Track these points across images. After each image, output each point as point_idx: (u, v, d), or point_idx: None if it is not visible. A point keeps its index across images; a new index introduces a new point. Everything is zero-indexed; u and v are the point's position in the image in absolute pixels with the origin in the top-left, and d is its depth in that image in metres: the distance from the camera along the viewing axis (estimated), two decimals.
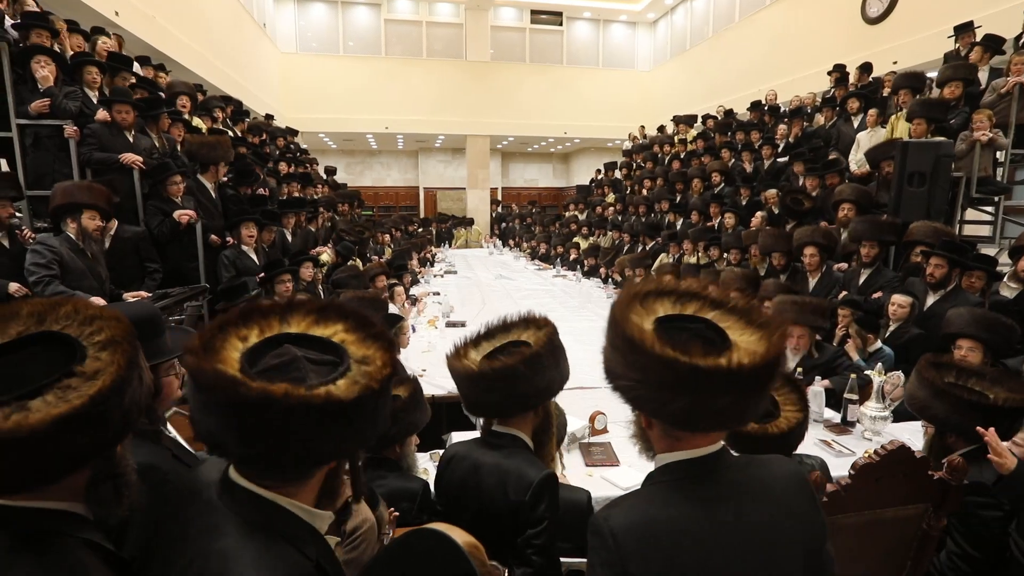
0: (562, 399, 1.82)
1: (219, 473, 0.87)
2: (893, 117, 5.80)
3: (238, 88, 10.34)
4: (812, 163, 6.19)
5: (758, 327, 0.93)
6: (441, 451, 2.58)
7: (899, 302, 3.62)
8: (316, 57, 14.60)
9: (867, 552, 1.73)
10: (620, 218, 9.86)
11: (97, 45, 5.21)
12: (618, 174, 11.77)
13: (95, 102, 4.24)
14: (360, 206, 11.18)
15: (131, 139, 4.23)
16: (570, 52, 16.09)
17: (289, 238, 5.69)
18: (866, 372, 3.10)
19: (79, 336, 0.82)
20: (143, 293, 3.63)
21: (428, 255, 10.10)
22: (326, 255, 6.02)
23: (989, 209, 5.32)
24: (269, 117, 10.35)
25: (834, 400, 3.08)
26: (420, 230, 12.78)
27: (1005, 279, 3.73)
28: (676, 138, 10.56)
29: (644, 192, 9.44)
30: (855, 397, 2.83)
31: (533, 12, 15.68)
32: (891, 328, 3.66)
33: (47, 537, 0.78)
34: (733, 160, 7.98)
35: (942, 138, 4.75)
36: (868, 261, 4.31)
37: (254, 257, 4.64)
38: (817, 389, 2.95)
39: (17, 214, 3.49)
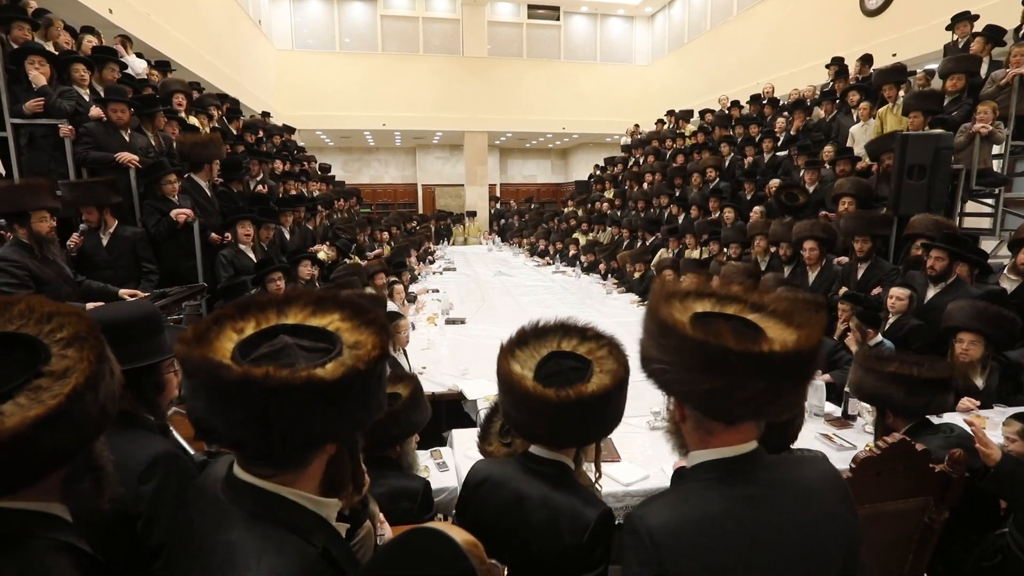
0: None
1: (225, 470, 0.89)
2: (881, 110, 5.77)
3: (234, 86, 10.29)
4: (813, 155, 6.16)
5: (797, 327, 0.93)
6: (441, 449, 2.58)
7: (897, 295, 3.61)
8: (312, 54, 14.53)
9: (869, 546, 1.73)
10: (619, 213, 9.85)
11: (83, 43, 5.17)
12: (617, 169, 11.73)
13: (87, 100, 4.21)
14: (359, 203, 11.15)
15: (127, 138, 4.21)
16: (568, 47, 16.01)
17: (287, 236, 5.68)
18: None
19: (38, 335, 0.80)
20: (139, 292, 3.61)
21: (427, 252, 10.09)
22: (323, 252, 6.01)
23: (989, 201, 5.31)
24: (265, 115, 10.30)
25: (835, 394, 3.09)
26: (419, 227, 12.75)
27: (1005, 271, 3.72)
28: (676, 132, 10.53)
29: (644, 187, 9.41)
30: None
31: (530, 7, 15.60)
32: (890, 321, 3.66)
33: (17, 539, 0.76)
34: (732, 154, 7.95)
35: (941, 130, 4.73)
36: (863, 255, 4.31)
37: (252, 256, 4.62)
38: (818, 383, 2.95)
39: None
